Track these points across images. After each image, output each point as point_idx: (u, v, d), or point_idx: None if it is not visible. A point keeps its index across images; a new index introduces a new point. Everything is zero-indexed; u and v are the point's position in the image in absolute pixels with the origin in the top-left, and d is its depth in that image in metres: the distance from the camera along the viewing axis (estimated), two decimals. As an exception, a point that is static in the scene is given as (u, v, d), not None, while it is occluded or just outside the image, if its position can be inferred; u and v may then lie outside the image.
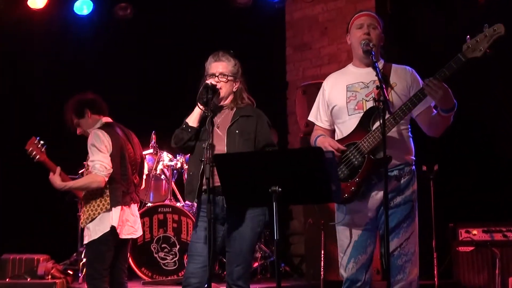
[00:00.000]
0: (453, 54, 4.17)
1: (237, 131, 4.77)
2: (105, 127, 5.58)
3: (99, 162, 5.34)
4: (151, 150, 8.05)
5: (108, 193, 5.41)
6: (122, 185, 5.50)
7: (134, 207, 5.67)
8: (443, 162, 6.96)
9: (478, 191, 7.53)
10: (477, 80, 7.22)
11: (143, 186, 6.50)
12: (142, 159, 5.92)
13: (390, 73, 4.55)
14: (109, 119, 5.70)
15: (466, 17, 7.55)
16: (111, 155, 5.41)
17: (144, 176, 6.10)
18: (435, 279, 6.70)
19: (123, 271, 5.68)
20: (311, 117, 4.84)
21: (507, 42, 4.11)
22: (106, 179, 5.36)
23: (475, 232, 7.03)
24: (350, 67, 4.75)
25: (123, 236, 5.45)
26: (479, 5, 7.40)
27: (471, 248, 7.00)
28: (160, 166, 7.98)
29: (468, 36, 4.11)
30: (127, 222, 5.49)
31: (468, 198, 7.54)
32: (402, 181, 4.43)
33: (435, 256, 6.73)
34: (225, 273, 5.30)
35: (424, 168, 6.73)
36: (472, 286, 7.00)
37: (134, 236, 5.69)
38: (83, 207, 5.48)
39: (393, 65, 4.64)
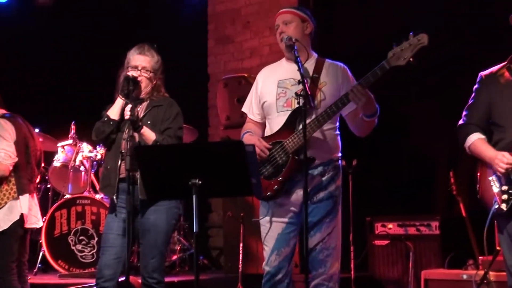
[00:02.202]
0: (375, 51, 4.23)
1: (149, 122, 4.78)
2: (5, 117, 5.48)
3: (3, 151, 5.26)
4: (70, 141, 7.93)
5: (14, 181, 5.32)
6: (27, 173, 5.43)
7: (35, 196, 5.61)
8: (361, 157, 7.06)
9: (394, 185, 7.68)
10: (395, 75, 7.35)
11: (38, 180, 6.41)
12: (41, 151, 5.85)
13: (322, 70, 4.57)
14: (4, 111, 5.59)
15: (388, 15, 7.67)
16: (15, 143, 5.33)
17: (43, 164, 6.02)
18: (352, 272, 6.81)
19: (23, 263, 5.60)
20: (244, 108, 4.84)
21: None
22: (11, 168, 5.29)
23: (390, 226, 7.15)
24: (283, 62, 4.74)
25: (27, 225, 5.37)
26: (401, 2, 7.53)
27: (387, 242, 7.12)
28: (79, 157, 7.86)
29: (394, 43, 4.17)
30: (30, 211, 5.41)
31: (385, 192, 7.68)
32: (325, 177, 4.47)
33: (351, 250, 6.83)
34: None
35: (343, 163, 6.82)
36: (386, 279, 7.12)
37: (37, 226, 5.63)
38: None
39: (327, 60, 4.64)
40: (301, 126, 4.34)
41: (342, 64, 4.67)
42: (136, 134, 4.65)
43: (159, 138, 4.68)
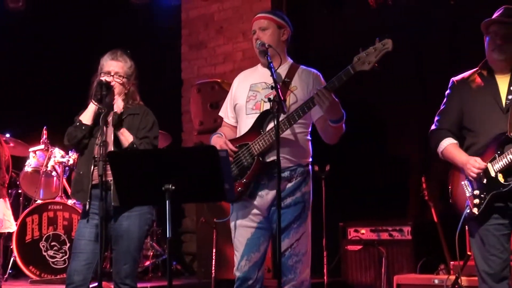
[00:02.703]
0: (347, 56, 4.24)
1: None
2: None
3: None
4: (42, 146, 7.87)
5: None
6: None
7: (7, 201, 5.60)
8: (334, 162, 7.09)
9: (367, 191, 7.72)
10: (369, 83, 7.40)
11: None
12: (9, 156, 5.84)
13: (294, 75, 4.58)
14: None
15: (360, 20, 7.72)
16: None
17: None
18: (325, 277, 6.82)
19: None
20: (221, 112, 4.84)
21: (398, 43, 4.22)
22: None
23: (363, 231, 7.18)
24: (259, 67, 4.75)
25: (1, 230, 5.35)
26: (372, 9, 7.58)
27: (359, 247, 7.15)
28: (51, 163, 7.80)
29: (361, 48, 4.19)
30: (4, 215, 5.40)
31: (358, 197, 7.71)
32: (292, 183, 4.46)
33: (325, 255, 6.85)
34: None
35: (316, 168, 6.84)
36: (359, 284, 7.15)
37: (10, 230, 5.61)
38: None
39: (301, 66, 4.65)
40: (267, 128, 4.36)
41: (315, 71, 4.68)
42: (109, 140, 4.64)
43: (137, 141, 4.68)
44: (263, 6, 8.38)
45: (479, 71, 4.47)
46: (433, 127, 4.55)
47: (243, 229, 4.51)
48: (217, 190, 3.84)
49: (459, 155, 4.36)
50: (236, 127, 4.71)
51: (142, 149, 4.68)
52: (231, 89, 4.79)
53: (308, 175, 4.58)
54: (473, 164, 4.23)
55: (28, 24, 9.36)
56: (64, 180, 7.85)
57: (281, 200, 4.33)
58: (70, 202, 7.50)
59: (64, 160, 7.79)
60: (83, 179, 4.76)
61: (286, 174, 4.44)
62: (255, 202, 4.45)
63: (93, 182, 4.68)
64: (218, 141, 4.50)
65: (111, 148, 4.69)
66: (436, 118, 4.55)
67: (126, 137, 4.68)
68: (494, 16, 4.41)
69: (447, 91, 4.56)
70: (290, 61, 4.70)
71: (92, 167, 4.65)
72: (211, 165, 3.76)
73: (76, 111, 4.93)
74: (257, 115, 4.47)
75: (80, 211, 7.04)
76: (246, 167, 4.39)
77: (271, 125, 4.28)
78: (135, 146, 4.66)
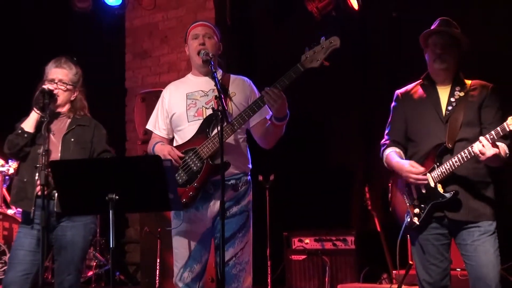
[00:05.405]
0: (292, 66, 4.27)
1: (72, 139, 4.75)
2: None
3: None
4: (-20, 155, 7.76)
5: None
6: None
7: None
8: (279, 172, 7.12)
9: (311, 200, 7.76)
10: (313, 93, 7.44)
11: None
12: None
13: (229, 83, 4.61)
14: None
15: (304, 30, 7.77)
16: None
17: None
18: (269, 287, 6.83)
19: None
20: (149, 126, 4.80)
21: (341, 54, 4.26)
22: None
23: (307, 240, 7.22)
24: (189, 76, 4.77)
25: None
26: (316, 20, 7.64)
27: (303, 256, 7.18)
28: (-10, 172, 7.69)
29: (307, 47, 4.22)
30: None
31: (302, 207, 7.75)
32: (237, 192, 4.47)
33: (269, 264, 6.86)
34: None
35: (261, 178, 6.87)
36: (303, 293, 7.19)
37: None
38: None
39: (231, 75, 4.69)
40: (214, 133, 4.35)
41: (246, 78, 4.74)
42: (52, 148, 4.60)
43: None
44: (207, 16, 8.40)
45: (421, 83, 4.55)
46: (383, 140, 4.62)
47: (187, 239, 4.50)
48: (162, 200, 3.83)
49: (395, 159, 4.44)
50: (166, 138, 4.70)
51: (85, 158, 4.64)
52: (161, 101, 4.76)
53: (251, 183, 4.62)
54: (410, 169, 4.30)
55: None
56: (4, 190, 7.73)
57: (227, 209, 4.37)
58: (10, 211, 7.38)
59: (4, 169, 7.68)
60: (27, 186, 4.69)
61: (232, 181, 4.44)
62: (201, 212, 4.44)
63: (37, 191, 4.61)
64: (162, 149, 4.48)
65: (56, 155, 4.64)
66: (385, 131, 4.63)
67: None
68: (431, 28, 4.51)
69: (392, 104, 4.63)
70: (220, 71, 4.72)
71: (37, 175, 4.59)
72: (155, 175, 3.74)
73: (15, 118, 4.85)
74: (201, 121, 4.47)
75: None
76: (196, 172, 4.37)
77: (217, 129, 4.28)
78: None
